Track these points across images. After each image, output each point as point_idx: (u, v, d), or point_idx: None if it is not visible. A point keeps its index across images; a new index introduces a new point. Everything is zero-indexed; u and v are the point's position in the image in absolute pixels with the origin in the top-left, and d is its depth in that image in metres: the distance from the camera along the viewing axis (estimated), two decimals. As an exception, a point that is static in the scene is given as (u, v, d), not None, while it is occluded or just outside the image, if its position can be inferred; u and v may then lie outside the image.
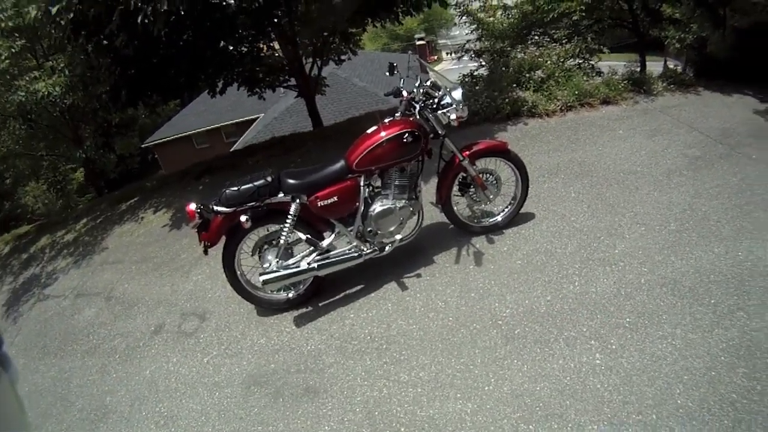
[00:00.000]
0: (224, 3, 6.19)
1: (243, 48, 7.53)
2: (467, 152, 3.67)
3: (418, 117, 3.47)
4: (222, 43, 6.82)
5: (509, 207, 4.07)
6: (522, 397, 2.67)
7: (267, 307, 3.76)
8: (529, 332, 3.07)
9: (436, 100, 3.52)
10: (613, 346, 2.87)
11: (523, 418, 2.56)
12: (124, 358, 3.80)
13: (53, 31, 5.66)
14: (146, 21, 4.44)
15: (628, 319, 3.03)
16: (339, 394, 2.95)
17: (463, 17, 9.99)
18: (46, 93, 6.84)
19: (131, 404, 3.32)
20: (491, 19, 9.57)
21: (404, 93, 3.53)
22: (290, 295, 3.69)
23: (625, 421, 2.45)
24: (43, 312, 4.88)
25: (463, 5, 9.69)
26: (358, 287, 3.77)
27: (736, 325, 2.88)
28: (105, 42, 5.68)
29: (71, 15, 4.82)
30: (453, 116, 3.41)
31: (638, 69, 7.52)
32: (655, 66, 9.56)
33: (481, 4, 9.63)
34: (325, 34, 7.60)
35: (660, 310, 3.06)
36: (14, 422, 1.40)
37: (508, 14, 9.36)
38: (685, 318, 2.98)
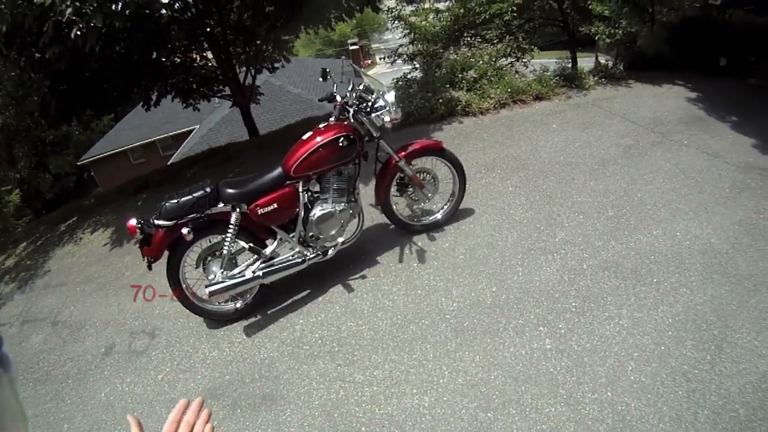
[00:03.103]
0: (157, 14, 6.09)
1: (176, 59, 7.42)
2: (403, 153, 3.75)
3: (352, 121, 3.52)
4: (155, 55, 6.69)
5: (448, 204, 4.16)
6: (478, 387, 2.74)
7: (216, 319, 3.72)
8: (478, 324, 3.15)
9: (369, 104, 3.58)
10: (562, 331, 2.98)
11: (481, 407, 2.63)
12: (78, 383, 3.66)
13: None
14: (78, 34, 4.33)
15: (574, 304, 3.16)
16: (296, 399, 2.95)
17: (396, 22, 10.09)
18: None
19: (89, 429, 3.21)
20: (423, 22, 9.67)
21: (338, 98, 3.59)
22: (238, 305, 3.65)
23: (581, 400, 2.55)
24: (-11, 340, 4.62)
25: (395, 10, 9.77)
26: (305, 292, 3.78)
27: (680, 301, 3.05)
28: (38, 55, 5.50)
29: (4, 27, 4.65)
30: (387, 118, 3.47)
31: (569, 65, 7.80)
32: (587, 62, 9.94)
33: (413, 8, 9.71)
34: (258, 42, 7.55)
35: (604, 293, 3.20)
36: (14, 422, 1.36)
37: (440, 17, 9.47)
38: (630, 298, 3.13)
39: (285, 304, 3.73)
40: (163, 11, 6.13)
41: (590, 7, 8.30)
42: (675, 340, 2.79)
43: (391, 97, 3.54)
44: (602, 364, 2.73)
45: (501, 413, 2.57)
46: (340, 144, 3.41)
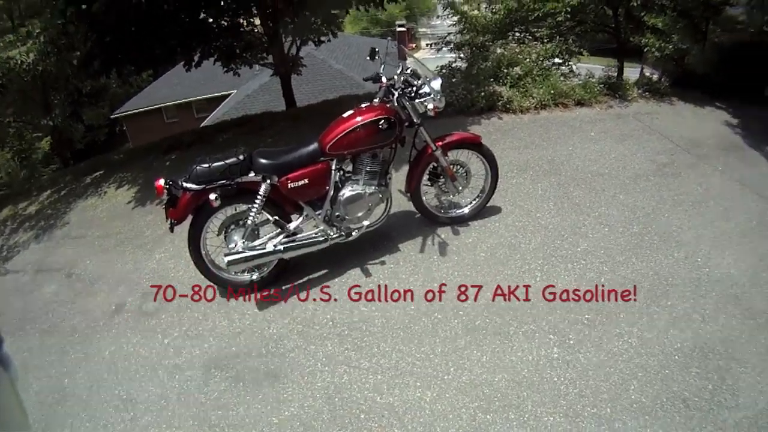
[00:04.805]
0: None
1: (223, 22, 7.36)
2: (440, 143, 3.69)
3: (395, 104, 3.47)
4: (202, 15, 6.65)
5: (477, 199, 4.10)
6: (480, 387, 2.73)
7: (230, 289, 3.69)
8: (490, 324, 3.13)
9: (414, 89, 3.51)
10: (571, 342, 2.95)
11: (482, 407, 2.62)
12: (84, 339, 3.66)
13: None
14: None
15: (587, 316, 3.12)
16: (300, 379, 2.95)
17: (447, 9, 9.93)
18: (19, 61, 6.56)
19: (90, 387, 3.22)
20: (475, 12, 9.52)
21: (383, 79, 3.54)
22: (254, 277, 3.63)
23: (580, 413, 2.53)
24: (1, 287, 4.67)
25: (448, -3, 9.65)
26: (322, 272, 3.75)
27: (690, 327, 3.00)
28: (84, 6, 5.50)
29: None
30: (430, 106, 3.38)
31: (615, 74, 7.61)
32: (631, 73, 9.70)
33: (466, -4, 9.57)
34: (308, 13, 7.45)
35: (618, 309, 3.16)
36: (15, 422, 1.37)
37: (492, 9, 9.33)
38: (642, 318, 3.08)
39: (301, 281, 3.70)
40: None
41: (644, 18, 8.10)
42: (680, 366, 2.77)
43: (437, 84, 3.47)
44: (606, 380, 2.71)
45: (500, 416, 2.57)
46: (380, 126, 3.37)
